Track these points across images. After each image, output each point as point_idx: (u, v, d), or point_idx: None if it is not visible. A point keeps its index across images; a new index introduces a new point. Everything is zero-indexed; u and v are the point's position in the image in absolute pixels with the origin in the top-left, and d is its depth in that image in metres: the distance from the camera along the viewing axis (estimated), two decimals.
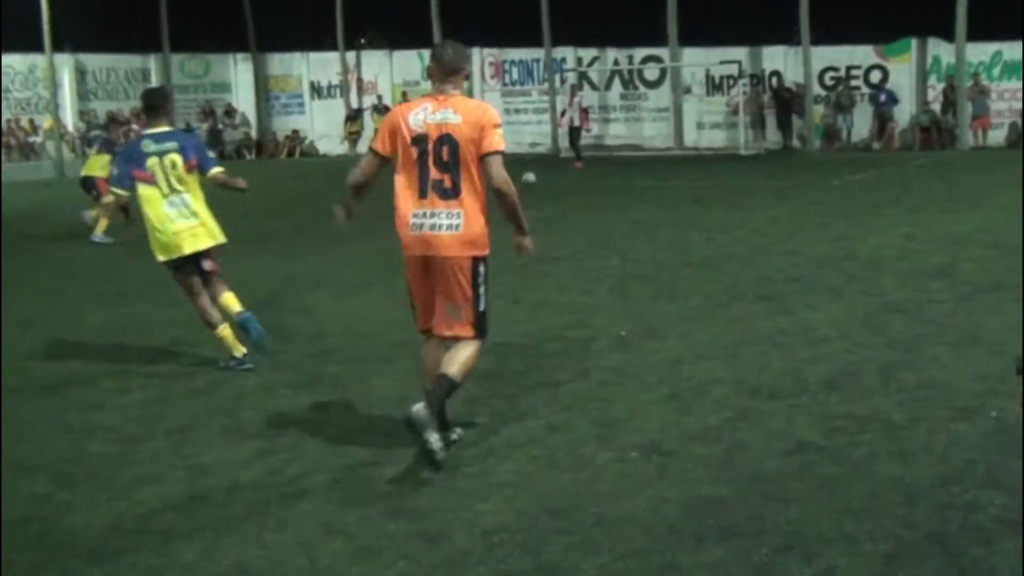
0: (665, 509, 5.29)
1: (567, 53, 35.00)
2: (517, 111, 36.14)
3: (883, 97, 30.40)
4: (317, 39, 39.56)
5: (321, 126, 39.67)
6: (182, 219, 8.43)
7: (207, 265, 8.60)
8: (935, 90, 30.35)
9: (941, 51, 29.98)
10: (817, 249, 12.87)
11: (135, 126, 37.01)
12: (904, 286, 10.39)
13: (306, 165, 35.51)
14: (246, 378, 8.21)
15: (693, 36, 32.51)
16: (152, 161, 8.33)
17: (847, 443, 6.07)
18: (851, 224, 14.84)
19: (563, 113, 29.90)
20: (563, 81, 34.88)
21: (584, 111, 29.92)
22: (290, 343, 9.30)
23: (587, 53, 35.14)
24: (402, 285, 9.85)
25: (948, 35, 29.09)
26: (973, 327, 8.59)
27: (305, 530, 5.30)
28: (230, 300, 8.69)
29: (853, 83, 31.18)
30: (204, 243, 8.56)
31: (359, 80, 38.96)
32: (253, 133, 40.31)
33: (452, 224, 6.04)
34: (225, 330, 8.63)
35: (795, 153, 30.31)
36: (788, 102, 31.55)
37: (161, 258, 8.51)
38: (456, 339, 6.15)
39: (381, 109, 37.57)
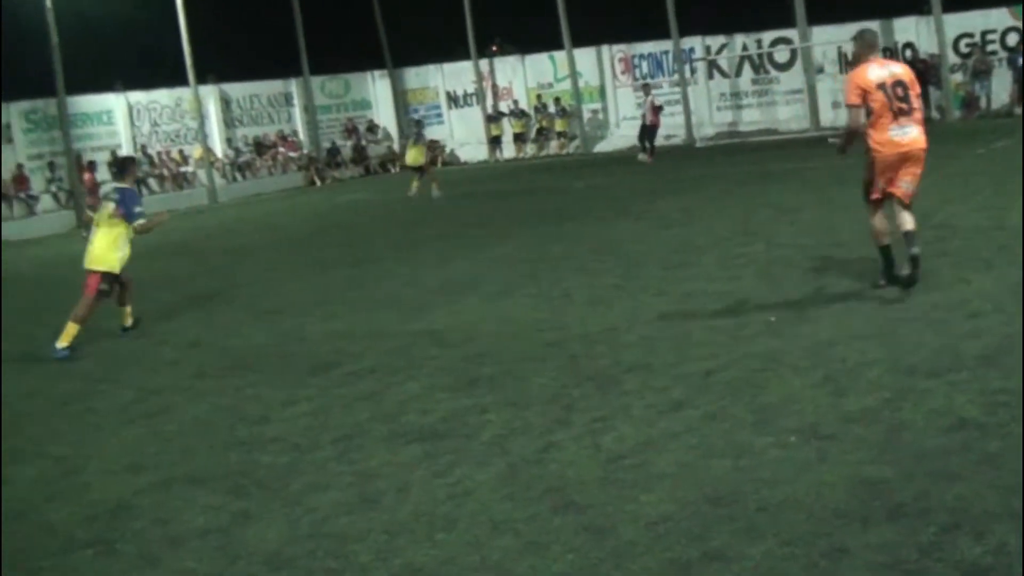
0: (828, 492, 5.31)
1: (695, 42, 34.72)
2: None
3: (1021, 60, 29.46)
4: (450, 50, 40.03)
5: (460, 134, 40.13)
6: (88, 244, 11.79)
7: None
8: None
9: None
10: (965, 220, 12.62)
11: (281, 148, 38.08)
12: None
13: (449, 173, 35.87)
14: (407, 383, 8.44)
15: (821, 14, 31.96)
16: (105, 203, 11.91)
17: (1009, 418, 5.98)
18: (998, 193, 14.50)
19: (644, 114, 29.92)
20: (693, 71, 34.69)
21: (656, 109, 29.54)
22: (445, 347, 9.52)
23: (715, 41, 34.81)
24: (547, 286, 10.03)
25: None
26: None
27: (474, 528, 5.47)
28: (125, 315, 12.22)
29: (989, 48, 30.27)
30: (89, 265, 11.64)
31: (494, 86, 39.33)
32: (396, 146, 41.00)
33: (914, 131, 9.37)
34: (73, 328, 11.31)
35: (935, 124, 29.50)
36: (924, 73, 30.65)
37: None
38: (903, 202, 9.42)
39: (518, 113, 37.90)
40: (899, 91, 9.34)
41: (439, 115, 40.80)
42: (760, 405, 6.81)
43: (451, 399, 7.85)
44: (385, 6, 39.82)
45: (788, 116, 33.26)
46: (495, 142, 38.22)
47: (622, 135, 36.21)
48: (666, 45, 35.05)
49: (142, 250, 22.09)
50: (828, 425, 6.27)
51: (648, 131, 29.13)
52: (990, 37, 30.29)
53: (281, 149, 38.33)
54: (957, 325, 8.07)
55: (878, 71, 9.42)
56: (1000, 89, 30.02)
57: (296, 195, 33.87)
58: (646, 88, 30.56)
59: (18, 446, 8.08)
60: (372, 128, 41.06)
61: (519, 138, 37.97)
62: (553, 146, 37.52)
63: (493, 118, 38.44)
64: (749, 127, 33.74)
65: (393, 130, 41.21)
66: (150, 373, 10.23)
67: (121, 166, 12.32)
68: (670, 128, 34.96)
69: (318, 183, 36.82)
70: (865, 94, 9.31)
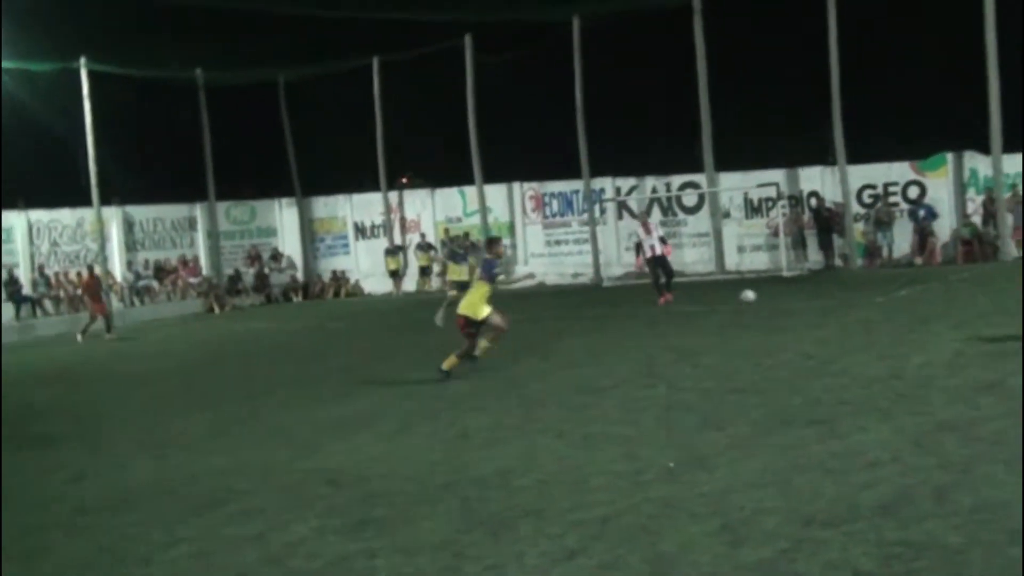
0: None
1: (606, 183, 35.38)
2: (558, 243, 36.45)
3: (922, 212, 30.42)
4: (360, 180, 40.28)
5: (366, 266, 40.16)
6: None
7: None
8: (974, 203, 30.35)
9: (978, 163, 30.03)
10: (865, 369, 12.74)
11: (182, 273, 37.73)
12: (954, 403, 10.24)
13: (352, 305, 35.82)
14: (295, 524, 8.15)
15: (729, 160, 32.82)
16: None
17: (904, 571, 5.94)
18: (897, 342, 14.72)
19: (638, 246, 25.75)
20: (602, 211, 35.23)
21: (663, 239, 25.38)
22: (337, 487, 9.26)
23: (625, 182, 35.49)
24: (444, 424, 9.90)
25: (983, 147, 29.17)
26: None
27: None
28: (481, 345, 15.29)
29: (891, 199, 31.26)
30: (461, 311, 15.20)
31: (402, 219, 39.52)
32: (299, 275, 40.84)
33: None
34: (484, 343, 15.30)
35: (838, 272, 30.24)
36: (828, 221, 31.61)
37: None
38: None
39: (424, 246, 38.02)
40: None
41: (346, 246, 40.87)
42: (656, 554, 6.66)
43: (340, 542, 7.59)
44: (296, 134, 40.12)
45: (694, 259, 33.79)
46: (393, 275, 38.24)
47: (530, 271, 36.50)
48: (577, 184, 35.63)
49: (31, 375, 21.65)
50: None
51: (662, 264, 24.94)
52: (892, 189, 31.34)
53: (182, 274, 37.97)
54: (854, 474, 8.03)
55: None
56: (902, 239, 30.94)
57: (194, 322, 33.41)
58: (643, 217, 27.28)
59: None
60: (276, 256, 40.92)
61: (424, 271, 38.05)
62: None
63: (391, 252, 38.57)
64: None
65: (298, 259, 41.13)
66: (31, 508, 9.80)
67: (489, 244, 16.41)
68: (578, 267, 35.40)
69: (217, 310, 36.43)
70: None
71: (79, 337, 28.02)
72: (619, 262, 35.05)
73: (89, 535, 8.60)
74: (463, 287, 22.67)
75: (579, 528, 7.32)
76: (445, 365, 14.83)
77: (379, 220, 39.84)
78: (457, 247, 24.64)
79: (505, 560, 6.79)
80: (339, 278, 40.17)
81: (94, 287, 30.06)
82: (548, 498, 8.14)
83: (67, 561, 7.94)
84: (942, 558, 6.07)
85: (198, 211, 39.46)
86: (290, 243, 41.42)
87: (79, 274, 35.30)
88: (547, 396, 12.95)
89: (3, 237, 34.43)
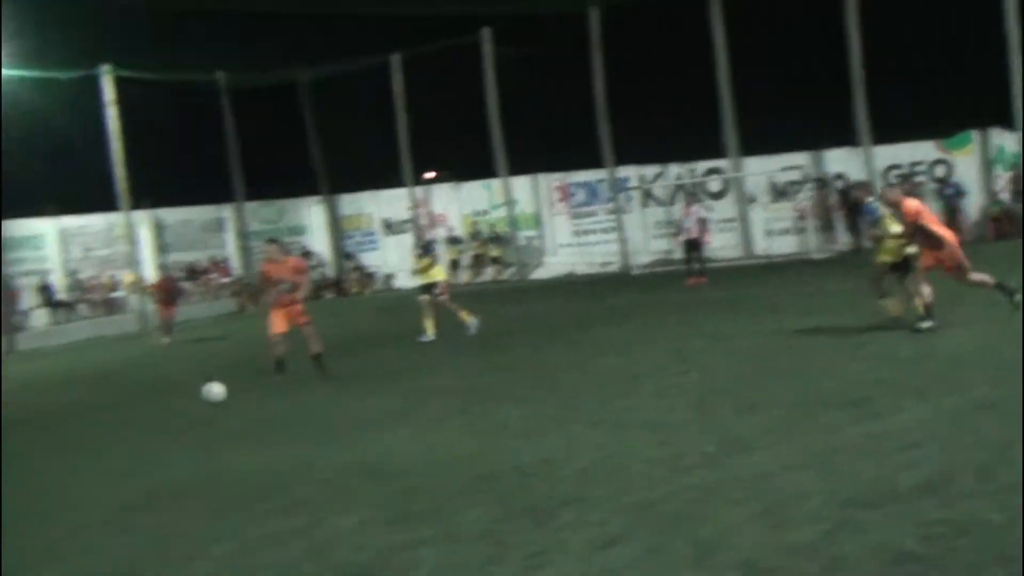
0: None
1: (630, 171, 35.34)
2: (586, 232, 36.45)
3: (950, 190, 30.27)
4: (386, 176, 40.38)
5: (395, 261, 40.24)
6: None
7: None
8: (1003, 179, 30.17)
9: (1005, 140, 29.84)
10: (899, 349, 12.71)
11: (213, 274, 37.88)
12: (990, 381, 10.20)
13: (383, 300, 35.92)
14: (339, 517, 8.20)
15: (753, 145, 32.74)
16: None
17: (947, 549, 5.94)
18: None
19: (679, 228, 28.04)
20: (628, 200, 35.22)
21: (702, 221, 27.67)
22: (377, 481, 9.29)
23: (650, 170, 35.46)
24: (480, 416, 9.88)
25: (1009, 124, 28.98)
26: None
27: None
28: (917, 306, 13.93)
29: (918, 179, 31.11)
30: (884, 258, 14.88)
31: (429, 213, 39.60)
32: (330, 272, 40.97)
33: None
34: (922, 301, 13.71)
35: (867, 253, 30.08)
36: (855, 203, 31.44)
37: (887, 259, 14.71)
38: None
39: (453, 240, 38.10)
40: None
41: (374, 242, 40.95)
42: (699, 539, 6.67)
43: (385, 534, 7.62)
44: (320, 132, 40.24)
45: (722, 244, 33.68)
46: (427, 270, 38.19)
47: (559, 262, 36.54)
48: (601, 174, 35.62)
49: (71, 378, 21.83)
50: (768, 559, 6.15)
51: (695, 247, 27.12)
52: (919, 168, 31.17)
53: (213, 275, 38.16)
54: (893, 455, 8.03)
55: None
56: None
57: (227, 321, 33.57)
58: (688, 201, 28.99)
59: None
60: (306, 254, 40.99)
61: (453, 264, 38.13)
62: (489, 272, 37.70)
63: (423, 248, 38.53)
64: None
65: (328, 256, 41.24)
66: (69, 508, 9.85)
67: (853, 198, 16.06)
68: (606, 256, 35.39)
69: (250, 309, 36.59)
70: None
71: (165, 340, 26.78)
72: (647, 249, 35.02)
73: (133, 533, 8.65)
74: (428, 289, 21.94)
75: (621, 515, 7.34)
76: (921, 313, 13.80)
77: (407, 215, 39.95)
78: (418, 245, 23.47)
79: (548, 547, 6.83)
80: (370, 274, 40.29)
81: (168, 290, 28.60)
82: (589, 486, 8.17)
83: (103, 561, 7.95)
84: (985, 536, 6.07)
85: (227, 212, 39.70)
86: (319, 241, 41.57)
87: (112, 277, 35.55)
88: (581, 386, 12.97)
89: (33, 244, 34.75)
